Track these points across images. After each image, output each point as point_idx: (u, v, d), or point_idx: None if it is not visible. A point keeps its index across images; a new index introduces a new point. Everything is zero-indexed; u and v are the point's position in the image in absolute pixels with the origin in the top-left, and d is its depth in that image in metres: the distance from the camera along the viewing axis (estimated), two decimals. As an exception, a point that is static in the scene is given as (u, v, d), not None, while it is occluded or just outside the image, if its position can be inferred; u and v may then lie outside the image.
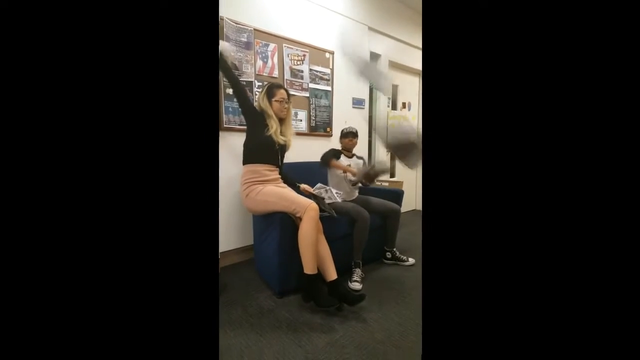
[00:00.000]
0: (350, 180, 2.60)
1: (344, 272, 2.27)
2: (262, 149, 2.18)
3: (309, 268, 1.98)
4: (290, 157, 2.84)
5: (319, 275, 2.02)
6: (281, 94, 2.22)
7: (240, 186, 2.26)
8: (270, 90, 2.20)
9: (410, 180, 4.93)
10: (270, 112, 2.17)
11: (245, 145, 2.23)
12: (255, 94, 2.72)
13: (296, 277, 2.10)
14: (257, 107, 2.23)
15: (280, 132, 2.22)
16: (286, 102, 2.25)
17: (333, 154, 2.63)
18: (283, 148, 2.30)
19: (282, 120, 2.26)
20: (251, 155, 2.21)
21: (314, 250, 1.99)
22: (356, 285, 2.23)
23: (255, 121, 2.20)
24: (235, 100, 2.56)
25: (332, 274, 2.04)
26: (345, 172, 2.61)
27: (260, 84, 2.76)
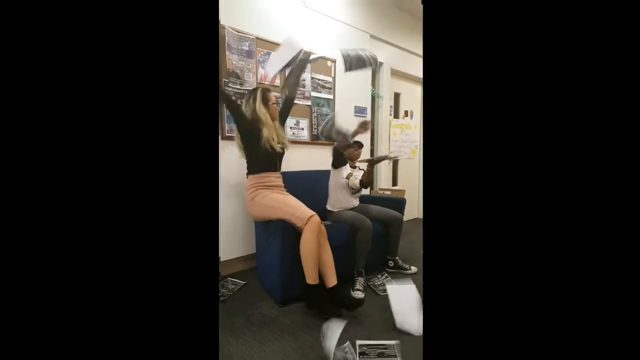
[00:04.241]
0: (352, 188, 2.59)
1: (345, 281, 2.26)
2: (264, 158, 2.19)
3: (310, 278, 1.99)
4: (291, 165, 2.83)
5: (321, 285, 2.03)
6: (273, 97, 2.23)
7: (245, 191, 2.27)
8: (265, 95, 2.19)
9: (412, 189, 4.92)
10: (267, 117, 2.15)
11: (248, 156, 2.24)
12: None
13: (298, 285, 2.10)
14: (248, 114, 2.19)
15: (277, 134, 2.22)
16: (277, 104, 2.28)
17: (341, 155, 2.60)
18: (282, 152, 2.31)
19: (274, 123, 2.26)
20: (255, 165, 2.22)
21: (315, 261, 2.00)
22: (358, 295, 2.21)
23: (249, 130, 2.17)
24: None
25: (332, 280, 2.05)
26: (348, 177, 2.59)
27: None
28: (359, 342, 1.67)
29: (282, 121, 2.41)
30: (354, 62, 2.20)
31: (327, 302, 1.97)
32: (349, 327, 1.84)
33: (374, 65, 2.22)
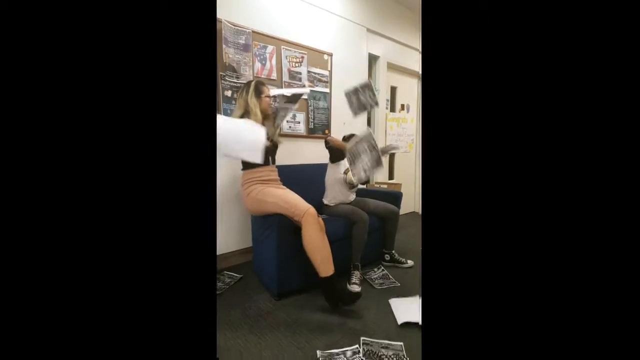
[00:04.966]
0: (349, 184, 2.59)
1: (342, 274, 2.27)
2: None
3: (323, 270, 1.97)
4: (288, 159, 2.83)
5: (335, 275, 2.00)
6: (267, 90, 2.20)
7: (241, 187, 2.27)
8: (258, 87, 2.15)
9: (408, 183, 4.93)
10: (257, 109, 2.10)
11: None
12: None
13: (295, 279, 2.11)
14: (241, 106, 2.16)
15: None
16: (271, 98, 2.26)
17: (339, 150, 2.57)
18: (274, 146, 2.28)
19: (266, 117, 2.22)
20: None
21: (323, 252, 1.99)
22: (355, 288, 2.21)
23: None
24: (234, 102, 2.55)
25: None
26: (345, 173, 2.58)
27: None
28: (363, 338, 1.69)
29: (278, 120, 2.40)
30: (357, 106, 2.31)
31: (349, 293, 1.98)
32: (346, 320, 1.86)
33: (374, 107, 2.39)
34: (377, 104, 2.30)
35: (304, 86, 3.12)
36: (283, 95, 2.23)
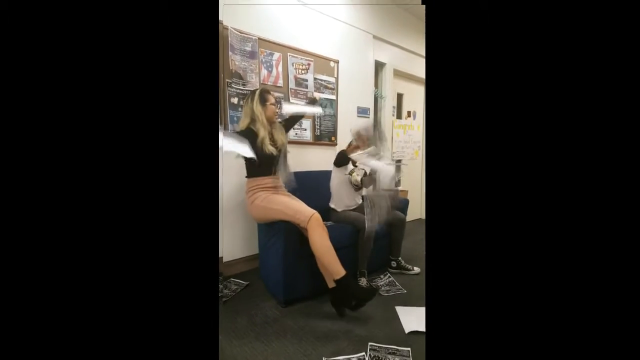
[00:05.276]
0: (354, 185, 2.57)
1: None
2: (261, 163, 2.11)
3: (336, 272, 1.95)
4: (294, 166, 2.83)
5: (349, 274, 1.98)
6: (272, 97, 2.21)
7: (245, 194, 2.27)
8: (263, 95, 2.17)
9: (415, 190, 4.91)
10: (263, 117, 2.13)
11: (246, 159, 2.16)
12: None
13: (301, 286, 2.11)
14: (247, 115, 2.18)
15: (273, 137, 2.20)
16: (277, 106, 2.26)
17: (344, 157, 2.54)
18: (280, 154, 2.26)
19: (272, 125, 2.23)
20: (252, 169, 2.21)
21: (333, 255, 1.98)
22: (362, 294, 2.20)
23: (246, 131, 2.14)
24: (240, 109, 2.56)
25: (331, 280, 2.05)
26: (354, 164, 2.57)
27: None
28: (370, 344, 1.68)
29: (287, 127, 2.42)
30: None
31: (362, 290, 1.99)
32: (352, 327, 1.86)
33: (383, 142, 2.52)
34: (385, 140, 2.37)
35: (314, 100, 3.05)
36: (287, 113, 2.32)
